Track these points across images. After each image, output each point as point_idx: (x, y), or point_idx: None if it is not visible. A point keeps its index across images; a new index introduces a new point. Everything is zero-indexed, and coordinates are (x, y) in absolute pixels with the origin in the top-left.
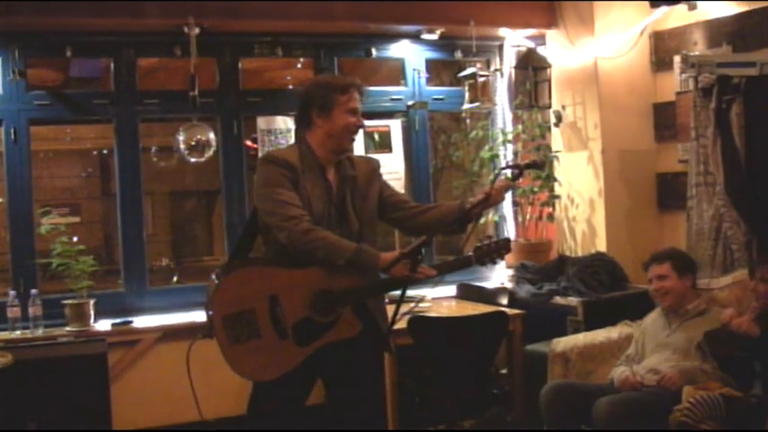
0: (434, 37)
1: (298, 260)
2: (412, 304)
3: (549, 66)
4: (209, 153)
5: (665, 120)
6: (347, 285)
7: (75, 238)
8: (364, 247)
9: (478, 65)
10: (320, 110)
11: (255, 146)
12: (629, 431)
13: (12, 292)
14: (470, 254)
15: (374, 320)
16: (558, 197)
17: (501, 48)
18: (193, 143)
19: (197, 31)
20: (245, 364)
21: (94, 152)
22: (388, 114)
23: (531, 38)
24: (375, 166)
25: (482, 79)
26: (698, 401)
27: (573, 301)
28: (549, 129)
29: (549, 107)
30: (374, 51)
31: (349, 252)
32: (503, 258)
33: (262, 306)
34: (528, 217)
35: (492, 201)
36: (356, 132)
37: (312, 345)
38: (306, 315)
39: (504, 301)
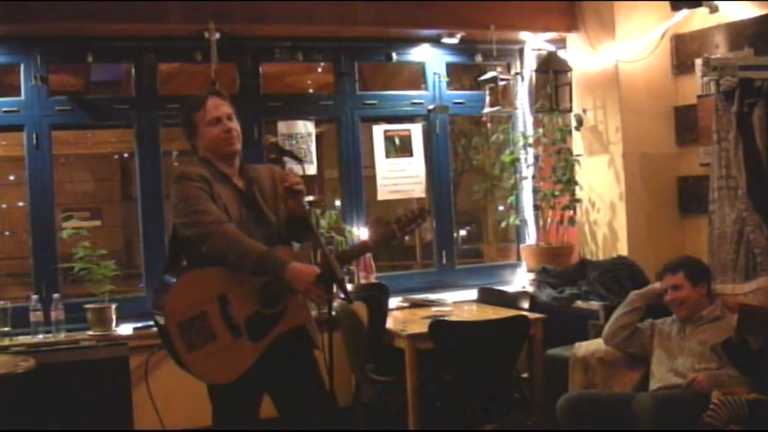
0: (455, 41)
1: None
2: (434, 309)
3: (570, 69)
4: None
5: (686, 123)
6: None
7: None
8: (272, 254)
9: (499, 68)
10: (189, 133)
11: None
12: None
13: (34, 297)
14: (393, 226)
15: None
16: (579, 201)
17: (521, 51)
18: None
19: (218, 35)
20: (205, 369)
21: (116, 156)
22: (409, 118)
23: (551, 41)
24: (274, 170)
25: (503, 83)
26: (722, 403)
27: (594, 305)
28: (570, 132)
29: (570, 111)
30: (395, 56)
31: (254, 257)
32: (420, 224)
33: (212, 308)
34: (549, 220)
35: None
36: (232, 135)
37: (266, 338)
38: (255, 309)
39: (526, 305)
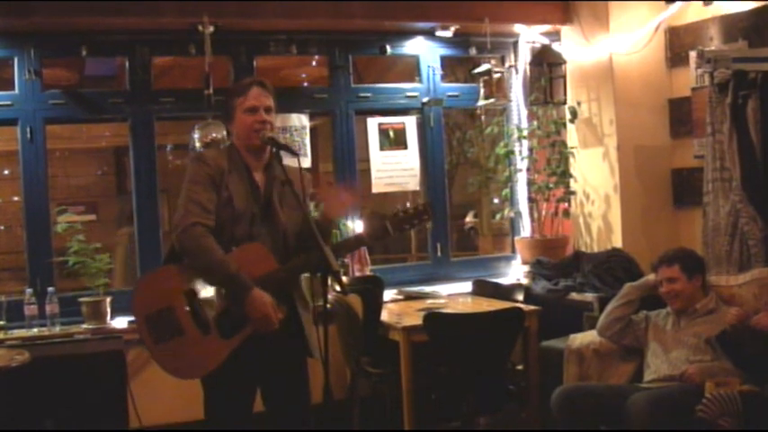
0: (449, 34)
1: None
2: (428, 301)
3: (564, 62)
4: None
5: (680, 115)
6: (262, 272)
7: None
8: (240, 276)
9: (493, 61)
10: (226, 117)
11: None
12: None
13: (29, 290)
14: (386, 222)
15: (300, 326)
16: (573, 193)
17: (516, 44)
18: (208, 141)
19: (211, 29)
20: (173, 363)
21: (110, 150)
22: (403, 111)
23: (545, 34)
24: (298, 174)
25: (497, 76)
26: (714, 398)
27: (589, 296)
28: (565, 125)
29: (565, 103)
30: (389, 49)
31: (222, 275)
32: (419, 224)
33: (180, 302)
34: (544, 213)
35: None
36: (260, 129)
37: (237, 336)
38: (225, 306)
39: (520, 297)
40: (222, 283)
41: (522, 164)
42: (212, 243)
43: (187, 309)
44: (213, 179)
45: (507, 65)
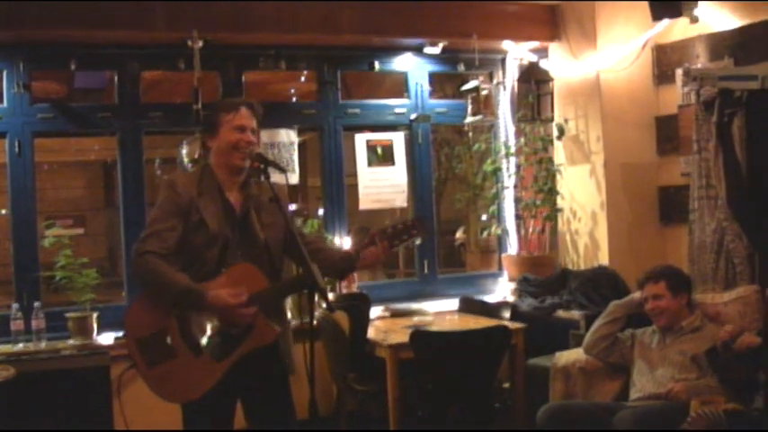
0: (437, 50)
1: (199, 276)
2: (415, 318)
3: (552, 79)
4: None
5: (667, 133)
6: (254, 291)
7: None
8: (193, 288)
9: (481, 78)
10: (209, 132)
11: None
12: None
13: (15, 305)
14: (376, 239)
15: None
16: (560, 210)
17: (503, 61)
18: (196, 156)
19: (201, 44)
20: (166, 387)
21: (99, 163)
22: (392, 127)
23: (533, 51)
24: (283, 189)
25: (485, 92)
26: (699, 416)
27: (575, 314)
28: (552, 142)
29: (552, 120)
30: (377, 64)
31: (176, 291)
32: (409, 240)
33: (171, 325)
34: (531, 230)
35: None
36: (245, 149)
37: (229, 358)
38: (217, 328)
39: (507, 314)
40: (178, 300)
41: (509, 181)
42: (162, 265)
43: (179, 331)
44: (180, 207)
45: (495, 81)
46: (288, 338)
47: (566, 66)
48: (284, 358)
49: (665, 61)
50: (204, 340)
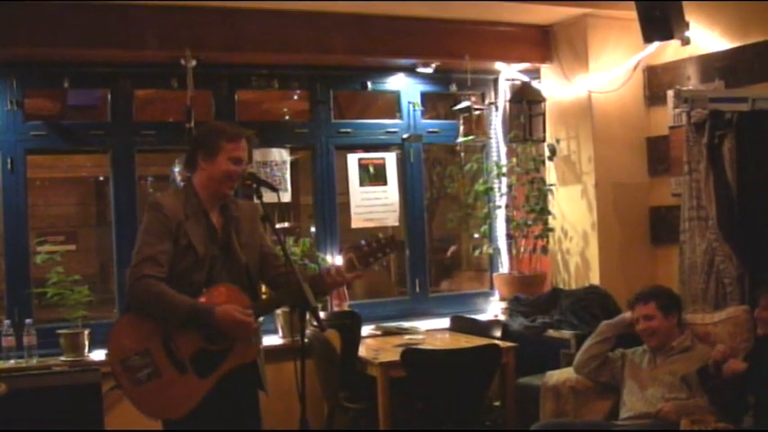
0: (430, 70)
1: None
2: (406, 337)
3: (544, 99)
4: None
5: (658, 154)
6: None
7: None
8: (199, 306)
9: (473, 98)
10: (205, 153)
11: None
12: None
13: (6, 322)
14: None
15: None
16: (551, 230)
17: (496, 81)
18: (189, 174)
19: (194, 63)
20: (152, 405)
21: (91, 180)
22: (384, 147)
23: (525, 72)
24: (258, 210)
25: (477, 112)
26: None
27: (566, 334)
28: (544, 162)
29: (544, 141)
30: (370, 84)
31: (183, 311)
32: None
33: (155, 344)
34: (522, 249)
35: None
36: (236, 180)
37: (214, 374)
38: (200, 346)
39: (498, 333)
40: (186, 320)
41: (500, 200)
42: (164, 288)
43: (163, 350)
44: (169, 229)
45: (487, 102)
46: (262, 355)
47: (557, 87)
48: (261, 374)
49: (656, 83)
50: (187, 358)
